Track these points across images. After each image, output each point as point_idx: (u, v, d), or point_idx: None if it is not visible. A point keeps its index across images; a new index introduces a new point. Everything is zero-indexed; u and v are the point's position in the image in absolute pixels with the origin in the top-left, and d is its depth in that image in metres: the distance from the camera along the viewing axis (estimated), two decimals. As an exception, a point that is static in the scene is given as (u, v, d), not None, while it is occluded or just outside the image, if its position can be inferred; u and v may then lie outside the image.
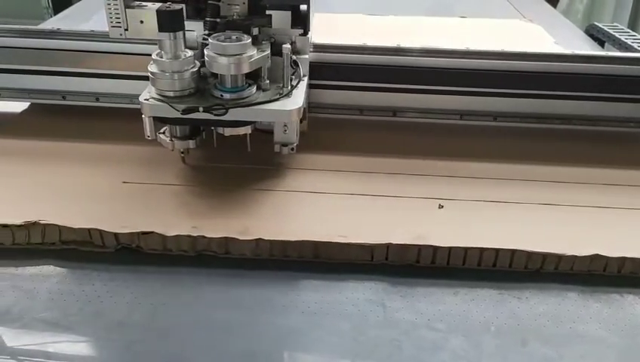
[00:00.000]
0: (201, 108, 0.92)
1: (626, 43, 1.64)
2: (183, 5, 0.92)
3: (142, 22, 0.94)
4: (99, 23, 1.12)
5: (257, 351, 0.75)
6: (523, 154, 1.14)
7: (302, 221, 0.93)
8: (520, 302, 0.83)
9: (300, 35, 1.04)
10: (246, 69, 0.93)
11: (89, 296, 0.82)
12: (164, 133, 1.01)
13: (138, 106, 0.95)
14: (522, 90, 1.15)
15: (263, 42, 0.99)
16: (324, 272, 0.87)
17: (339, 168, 1.08)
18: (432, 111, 1.18)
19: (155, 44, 0.94)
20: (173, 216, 0.93)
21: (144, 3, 0.96)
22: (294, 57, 1.03)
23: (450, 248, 0.88)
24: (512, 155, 1.14)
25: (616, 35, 1.73)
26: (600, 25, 1.87)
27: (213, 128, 1.01)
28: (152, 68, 0.94)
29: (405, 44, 1.15)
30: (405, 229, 0.90)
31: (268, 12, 1.00)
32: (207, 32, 0.97)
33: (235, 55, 0.91)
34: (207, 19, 0.97)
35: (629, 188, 1.05)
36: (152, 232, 0.88)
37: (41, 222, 0.89)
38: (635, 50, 1.54)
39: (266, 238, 0.88)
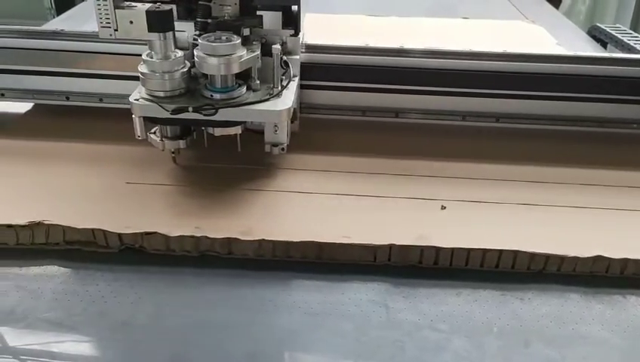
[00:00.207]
0: (190, 109, 0.92)
1: (628, 44, 1.65)
2: (173, 6, 0.93)
3: (131, 22, 0.94)
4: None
5: (260, 352, 0.75)
6: (525, 155, 1.14)
7: (304, 221, 0.93)
8: (523, 303, 0.83)
9: (290, 35, 1.04)
10: (236, 70, 0.94)
11: (93, 296, 0.82)
12: (154, 133, 1.01)
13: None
14: (525, 91, 1.15)
15: (254, 43, 0.99)
16: (327, 273, 0.88)
17: (339, 169, 1.08)
18: (434, 113, 1.18)
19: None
20: (176, 217, 0.93)
21: (134, 3, 0.96)
22: (285, 58, 1.03)
23: (452, 249, 0.88)
24: (514, 156, 1.14)
25: (619, 36, 1.73)
26: (602, 26, 1.87)
27: (203, 128, 1.01)
28: (142, 68, 0.94)
29: (407, 45, 1.15)
30: (408, 230, 0.91)
31: (259, 13, 1.00)
32: (197, 32, 0.97)
33: (224, 55, 0.92)
34: (198, 19, 0.98)
35: (633, 190, 1.05)
36: (155, 233, 0.89)
37: (45, 222, 0.89)
38: (638, 52, 1.54)
39: (268, 239, 0.89)
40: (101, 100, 1.18)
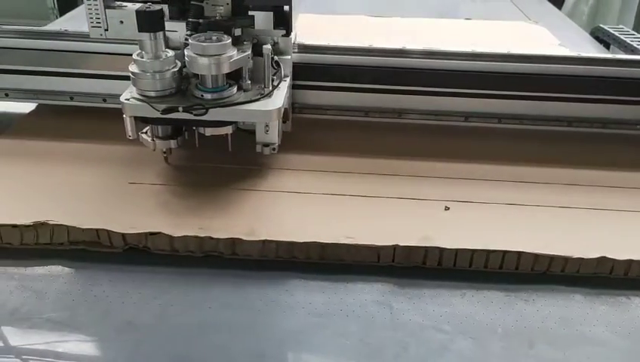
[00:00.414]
0: (180, 108, 0.93)
1: (631, 45, 1.64)
2: (163, 6, 0.93)
3: (122, 22, 0.94)
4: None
5: (264, 352, 0.75)
6: (528, 156, 1.14)
7: (307, 222, 0.93)
8: (527, 304, 0.83)
9: (282, 35, 1.04)
10: (226, 69, 0.94)
11: (97, 296, 0.82)
12: (146, 133, 1.01)
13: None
14: (527, 92, 1.15)
15: (245, 43, 0.99)
16: (331, 273, 0.88)
17: (340, 169, 1.08)
18: (436, 113, 1.18)
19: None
20: (179, 217, 0.93)
21: (124, 3, 0.96)
22: (276, 58, 1.03)
23: (456, 250, 0.88)
24: (517, 157, 1.14)
25: (622, 37, 1.73)
26: (605, 27, 1.87)
27: (194, 128, 1.01)
28: (133, 68, 0.94)
29: (410, 45, 1.15)
30: (411, 231, 0.91)
31: (250, 13, 1.00)
32: (189, 32, 0.97)
33: (214, 55, 0.92)
34: (190, 19, 0.98)
35: (637, 191, 1.05)
36: (159, 233, 0.89)
37: (50, 222, 0.89)
38: (641, 53, 1.55)
39: (272, 239, 0.89)
40: (105, 101, 1.19)
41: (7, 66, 1.18)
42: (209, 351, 0.75)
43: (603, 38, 1.86)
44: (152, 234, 0.89)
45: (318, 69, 1.14)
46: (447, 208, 0.98)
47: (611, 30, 1.82)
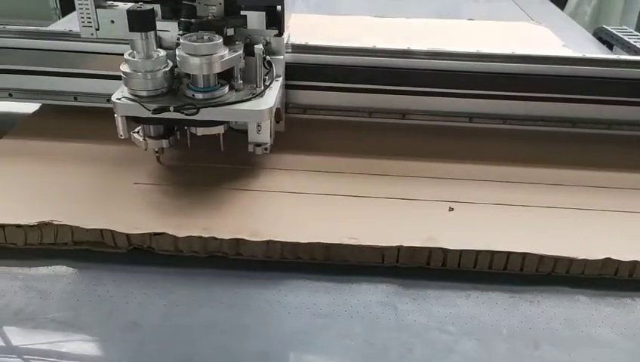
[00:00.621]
0: (171, 108, 0.93)
1: (635, 46, 1.64)
2: (154, 5, 0.92)
3: (113, 22, 0.94)
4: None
5: (269, 353, 0.75)
6: (532, 157, 1.14)
7: (310, 222, 0.93)
8: (532, 306, 0.83)
9: (275, 35, 1.04)
10: (217, 69, 0.94)
11: (101, 297, 0.82)
12: (137, 132, 1.01)
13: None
14: (532, 92, 1.15)
15: (237, 42, 0.99)
16: (335, 274, 0.88)
17: (340, 170, 1.08)
18: (440, 114, 1.18)
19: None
20: (183, 217, 0.93)
21: (115, 3, 0.96)
22: (268, 58, 1.03)
23: (461, 251, 0.88)
24: (521, 158, 1.14)
25: (625, 38, 1.72)
26: (608, 28, 1.87)
27: (186, 128, 1.01)
28: (125, 68, 0.94)
29: (414, 46, 1.15)
30: (416, 231, 0.91)
31: (243, 13, 1.00)
32: (181, 32, 0.97)
33: (206, 55, 0.92)
34: (182, 19, 0.98)
35: (642, 192, 1.05)
36: (163, 233, 0.89)
37: (54, 222, 0.89)
38: (644, 54, 1.54)
39: (276, 240, 0.89)
40: (109, 101, 1.18)
41: (11, 66, 1.18)
42: (213, 351, 0.75)
43: (606, 39, 1.86)
44: (156, 234, 0.89)
45: (312, 69, 1.14)
46: (451, 209, 0.98)
47: (614, 31, 1.81)
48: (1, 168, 1.06)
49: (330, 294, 0.84)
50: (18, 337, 0.77)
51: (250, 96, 0.97)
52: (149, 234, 0.89)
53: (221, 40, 0.94)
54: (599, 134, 1.19)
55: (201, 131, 0.99)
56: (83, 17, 0.95)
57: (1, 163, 1.08)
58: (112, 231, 0.89)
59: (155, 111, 0.93)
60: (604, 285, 0.87)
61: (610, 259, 0.87)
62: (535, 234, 0.92)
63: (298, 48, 1.13)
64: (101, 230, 0.89)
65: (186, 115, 0.93)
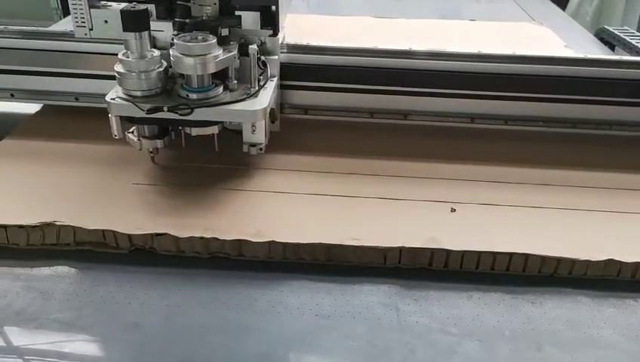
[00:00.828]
0: (165, 108, 0.93)
1: (636, 47, 1.64)
2: (148, 5, 0.93)
3: (106, 22, 0.94)
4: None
5: (271, 354, 0.75)
6: (534, 157, 1.14)
7: (312, 223, 0.93)
8: (534, 307, 0.83)
9: (269, 35, 1.04)
10: (211, 69, 0.94)
11: (104, 297, 0.82)
12: (132, 132, 1.01)
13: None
14: (534, 93, 1.15)
15: (231, 43, 0.99)
16: (337, 275, 0.88)
17: (341, 170, 1.08)
18: (442, 115, 1.18)
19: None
20: (184, 218, 0.93)
21: (109, 3, 0.96)
22: (263, 58, 1.03)
23: (463, 252, 0.88)
24: (523, 159, 1.13)
25: (627, 38, 1.72)
26: (610, 28, 1.87)
27: (181, 128, 1.01)
28: (119, 68, 0.94)
29: (415, 47, 1.15)
30: (418, 232, 0.91)
31: (238, 13, 1.00)
32: (175, 32, 0.97)
33: (200, 55, 0.92)
34: (176, 19, 0.98)
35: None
36: (165, 234, 0.89)
37: (56, 223, 0.89)
38: (646, 54, 1.54)
39: (278, 241, 0.89)
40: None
41: (13, 67, 1.18)
42: (215, 352, 0.75)
43: (608, 40, 1.86)
44: (158, 235, 0.89)
45: (307, 69, 1.13)
46: (453, 210, 0.97)
47: (616, 31, 1.81)
48: (2, 168, 1.06)
49: (332, 295, 0.84)
50: (20, 337, 0.77)
51: (245, 97, 0.97)
52: (151, 234, 0.89)
53: (215, 40, 0.94)
54: (602, 135, 1.19)
55: (195, 131, 0.99)
56: (77, 17, 0.95)
57: (3, 163, 1.08)
58: (114, 232, 0.89)
59: (149, 111, 0.93)
60: (607, 286, 0.87)
61: (612, 260, 0.87)
62: (537, 235, 0.92)
63: (293, 48, 1.13)
64: (103, 230, 0.89)
65: (180, 115, 0.93)
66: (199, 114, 0.94)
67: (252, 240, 0.88)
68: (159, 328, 0.78)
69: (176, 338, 0.76)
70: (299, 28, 1.22)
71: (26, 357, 0.75)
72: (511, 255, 0.88)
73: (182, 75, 0.97)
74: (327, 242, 0.88)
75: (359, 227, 0.92)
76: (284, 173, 1.07)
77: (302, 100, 1.17)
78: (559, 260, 0.87)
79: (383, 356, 0.75)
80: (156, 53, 0.95)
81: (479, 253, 0.88)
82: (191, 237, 0.89)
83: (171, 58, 0.94)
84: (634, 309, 0.84)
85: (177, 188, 1.02)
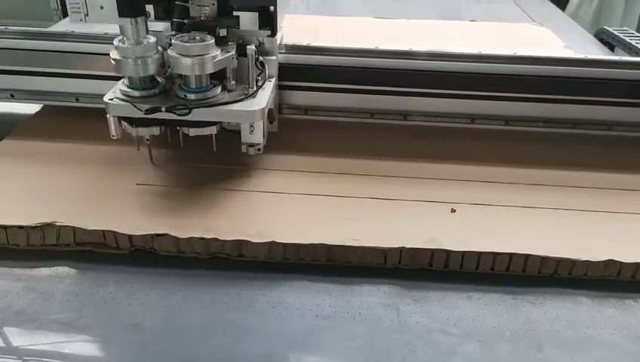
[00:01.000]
0: (163, 108, 0.93)
1: (636, 47, 1.64)
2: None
3: (102, 7, 0.93)
4: (110, 25, 1.12)
5: (271, 354, 0.75)
6: (534, 158, 1.14)
7: (312, 224, 0.93)
8: (534, 307, 0.83)
9: (267, 36, 1.04)
10: (210, 70, 0.94)
11: (104, 298, 0.82)
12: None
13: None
14: (534, 93, 1.15)
15: (229, 43, 0.99)
16: (338, 275, 0.88)
17: (339, 171, 1.08)
18: (442, 115, 1.18)
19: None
20: (184, 218, 0.93)
21: None
22: (261, 58, 1.03)
23: (463, 252, 0.88)
24: (523, 159, 1.14)
25: (627, 39, 1.72)
26: (610, 29, 1.87)
27: (179, 129, 1.01)
28: (114, 54, 0.94)
29: (415, 47, 1.15)
30: (418, 233, 0.91)
31: (236, 13, 1.00)
32: (174, 32, 0.97)
33: (198, 55, 0.92)
34: (174, 19, 0.98)
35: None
36: (165, 234, 0.89)
37: (56, 223, 0.89)
38: (646, 55, 1.54)
39: (279, 241, 0.89)
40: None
41: (13, 67, 1.18)
42: (215, 352, 0.75)
43: (607, 40, 1.86)
44: (158, 235, 0.89)
45: (305, 70, 1.13)
46: (453, 210, 0.97)
47: (616, 32, 1.82)
48: (2, 169, 1.06)
49: (332, 295, 0.84)
50: (20, 338, 0.77)
51: (243, 97, 0.97)
52: (152, 235, 0.89)
53: (213, 40, 0.94)
54: (602, 136, 1.19)
55: (193, 132, 0.99)
56: (72, 3, 0.94)
57: (3, 164, 1.08)
58: (114, 232, 0.89)
59: (147, 111, 0.93)
60: (607, 287, 0.87)
61: (612, 260, 0.87)
62: (537, 235, 0.92)
63: (292, 49, 1.13)
64: (103, 231, 0.89)
65: (178, 115, 0.93)
66: (197, 114, 0.94)
67: (252, 240, 0.88)
68: (159, 329, 0.78)
69: (176, 339, 0.76)
70: (298, 28, 1.22)
71: (25, 358, 0.75)
72: (511, 255, 0.88)
73: (180, 76, 0.97)
74: (327, 242, 0.88)
75: (359, 227, 0.92)
76: (283, 174, 1.07)
77: (300, 101, 1.17)
78: (559, 260, 0.87)
79: (383, 356, 0.75)
80: (152, 39, 0.95)
81: (479, 254, 0.88)
82: (191, 237, 0.89)
83: (170, 58, 0.94)
84: (634, 310, 0.84)
85: (177, 188, 1.02)
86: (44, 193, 0.99)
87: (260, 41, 1.04)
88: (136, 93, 0.95)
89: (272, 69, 1.06)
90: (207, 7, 0.98)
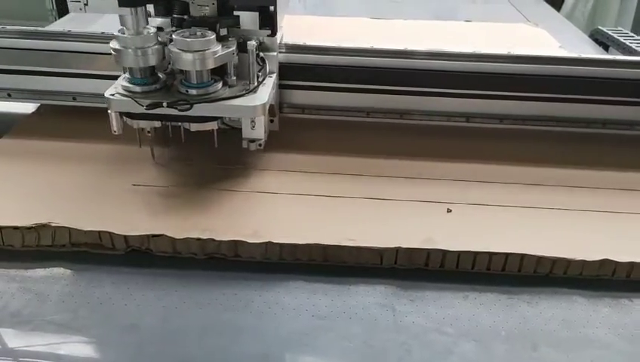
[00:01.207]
0: (165, 104, 0.93)
1: (630, 47, 1.65)
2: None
3: None
4: (107, 25, 1.13)
5: (268, 355, 0.75)
6: (529, 157, 1.14)
7: (309, 224, 0.93)
8: (530, 307, 0.83)
9: (268, 35, 1.04)
10: (210, 65, 0.94)
11: (100, 299, 0.82)
12: None
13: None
14: (528, 92, 1.15)
15: (230, 39, 0.99)
16: (334, 275, 0.88)
17: (337, 171, 1.07)
18: (438, 114, 1.18)
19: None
20: (180, 219, 0.93)
21: None
22: (261, 54, 1.03)
23: (459, 252, 0.88)
24: (518, 158, 1.14)
25: (621, 39, 1.73)
26: (604, 29, 1.88)
27: (180, 124, 1.01)
28: (114, 44, 0.94)
29: (411, 47, 1.15)
30: (414, 233, 0.91)
31: (236, 13, 1.00)
32: (174, 28, 0.97)
33: (199, 51, 0.92)
34: (175, 16, 0.98)
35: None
36: (162, 235, 0.89)
37: (52, 224, 0.89)
38: (639, 54, 1.55)
39: (275, 241, 0.89)
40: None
41: (10, 66, 1.17)
42: (212, 353, 0.75)
43: (602, 40, 1.87)
44: (154, 236, 0.89)
45: (305, 69, 1.14)
46: (449, 210, 0.98)
47: (610, 32, 1.82)
48: (-1, 169, 1.06)
49: (328, 296, 0.84)
50: (15, 339, 0.76)
51: (244, 92, 0.97)
52: (147, 235, 0.89)
53: (214, 36, 0.94)
54: (596, 134, 1.19)
55: (194, 127, 0.99)
56: None
57: (0, 163, 1.07)
58: (109, 233, 0.89)
59: (149, 106, 0.92)
60: (602, 286, 0.87)
61: (607, 260, 0.87)
62: (533, 235, 0.92)
63: (292, 48, 1.14)
64: (99, 232, 0.89)
65: (180, 110, 0.93)
66: (199, 109, 0.94)
67: (249, 241, 0.88)
68: (156, 329, 0.78)
69: (172, 340, 0.76)
70: (296, 28, 1.22)
71: (21, 359, 0.74)
72: (507, 255, 0.88)
73: (181, 71, 0.97)
74: (323, 243, 0.88)
75: (355, 227, 0.92)
76: (281, 174, 1.07)
77: (300, 100, 1.17)
78: (555, 260, 0.87)
79: (379, 356, 0.75)
80: (152, 29, 0.95)
81: (475, 254, 0.88)
82: (187, 238, 0.89)
83: (171, 54, 0.94)
84: (629, 309, 0.84)
85: (174, 188, 1.01)
86: (41, 193, 0.98)
87: (260, 41, 1.04)
88: (137, 89, 0.95)
89: (272, 65, 1.06)
90: (207, 7, 0.98)
